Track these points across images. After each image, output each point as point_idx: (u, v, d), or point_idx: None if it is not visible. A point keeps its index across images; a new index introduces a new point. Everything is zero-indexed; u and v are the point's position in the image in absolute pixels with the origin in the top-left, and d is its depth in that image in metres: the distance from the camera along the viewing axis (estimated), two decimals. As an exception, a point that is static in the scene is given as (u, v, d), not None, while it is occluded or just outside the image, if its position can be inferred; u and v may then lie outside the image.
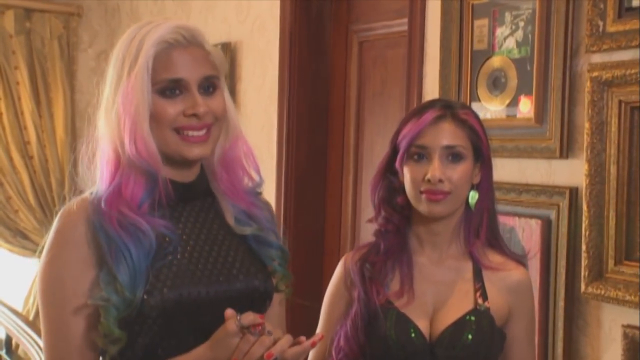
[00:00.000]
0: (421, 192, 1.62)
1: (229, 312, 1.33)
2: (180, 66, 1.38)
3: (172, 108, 1.39)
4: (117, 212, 1.37)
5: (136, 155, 1.37)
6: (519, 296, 1.69)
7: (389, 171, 1.70)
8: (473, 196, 1.67)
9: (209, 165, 1.51)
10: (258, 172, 1.56)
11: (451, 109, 1.66)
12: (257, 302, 1.47)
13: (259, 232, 1.51)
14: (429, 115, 1.63)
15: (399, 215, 1.69)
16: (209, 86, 1.42)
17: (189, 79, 1.39)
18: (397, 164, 1.67)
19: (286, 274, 1.54)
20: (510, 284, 1.68)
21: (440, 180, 1.60)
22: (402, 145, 1.64)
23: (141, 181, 1.40)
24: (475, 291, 1.66)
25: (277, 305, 1.56)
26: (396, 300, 1.64)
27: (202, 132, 1.40)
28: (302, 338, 1.35)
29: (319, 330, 1.76)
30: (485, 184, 1.69)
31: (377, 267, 1.67)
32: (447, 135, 1.63)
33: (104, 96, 1.43)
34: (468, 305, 1.64)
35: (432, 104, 1.70)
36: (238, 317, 1.32)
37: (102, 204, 1.37)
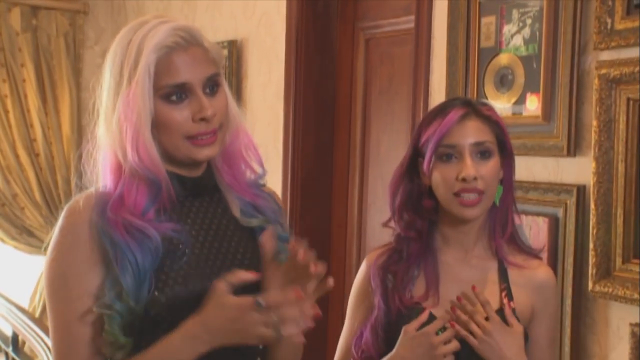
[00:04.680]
0: (455, 195, 1.60)
1: (218, 282, 1.33)
2: (183, 70, 1.36)
3: (179, 114, 1.37)
4: (122, 219, 1.36)
5: (139, 164, 1.36)
6: (544, 296, 1.68)
7: (411, 174, 1.68)
8: (499, 191, 1.66)
9: (213, 159, 1.50)
10: (260, 163, 1.55)
11: (472, 105, 1.65)
12: None
13: (265, 224, 1.51)
14: (454, 113, 1.61)
15: (422, 221, 1.68)
16: (212, 85, 1.41)
17: (193, 81, 1.37)
18: (425, 167, 1.64)
19: None
20: (535, 284, 1.67)
21: (475, 178, 1.58)
22: (430, 147, 1.62)
23: (144, 189, 1.39)
24: (501, 291, 1.65)
25: None
26: (423, 302, 1.63)
27: (210, 135, 1.40)
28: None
29: (345, 329, 1.77)
30: (509, 179, 1.68)
31: (400, 276, 1.66)
32: (474, 132, 1.61)
33: (103, 102, 1.41)
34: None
35: (452, 103, 1.69)
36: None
37: (107, 211, 1.36)
